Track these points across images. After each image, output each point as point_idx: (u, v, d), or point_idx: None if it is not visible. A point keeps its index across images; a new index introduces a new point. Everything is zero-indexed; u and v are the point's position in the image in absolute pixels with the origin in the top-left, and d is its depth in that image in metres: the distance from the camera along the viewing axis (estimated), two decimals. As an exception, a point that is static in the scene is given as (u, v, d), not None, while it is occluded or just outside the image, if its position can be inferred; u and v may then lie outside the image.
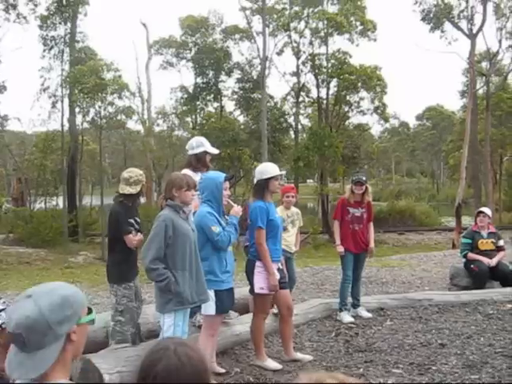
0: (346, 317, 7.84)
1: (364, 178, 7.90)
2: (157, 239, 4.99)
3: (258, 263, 5.91)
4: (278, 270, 6.02)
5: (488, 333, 7.07)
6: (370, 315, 7.99)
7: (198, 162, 6.73)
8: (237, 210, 5.72)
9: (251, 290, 6.03)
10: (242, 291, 7.56)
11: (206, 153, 6.78)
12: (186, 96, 35.39)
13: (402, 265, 14.10)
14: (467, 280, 9.76)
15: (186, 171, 6.35)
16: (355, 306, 8.13)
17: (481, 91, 33.49)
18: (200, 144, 6.79)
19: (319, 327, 7.61)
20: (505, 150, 41.03)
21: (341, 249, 7.93)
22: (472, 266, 9.55)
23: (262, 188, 6.00)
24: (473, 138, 28.63)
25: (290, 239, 7.81)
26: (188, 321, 5.46)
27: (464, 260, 9.83)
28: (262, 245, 5.83)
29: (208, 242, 5.48)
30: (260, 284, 5.89)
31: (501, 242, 9.69)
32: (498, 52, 32.31)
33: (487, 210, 9.92)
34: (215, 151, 6.97)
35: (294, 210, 7.94)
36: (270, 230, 5.93)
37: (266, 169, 6.08)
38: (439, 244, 27.23)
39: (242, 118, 37.47)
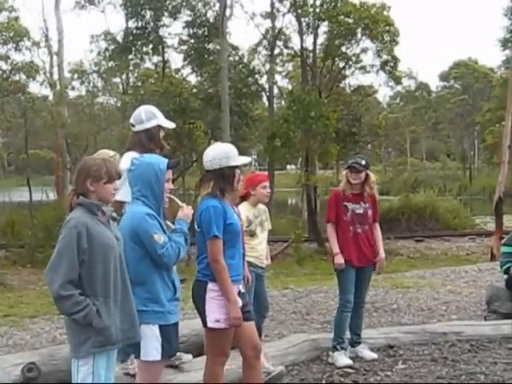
0: (342, 358, 7.89)
1: (363, 162, 8.00)
2: (66, 255, 4.88)
3: (210, 285, 5.87)
4: (240, 294, 6.01)
5: (541, 378, 7.18)
6: (374, 356, 8.06)
7: (151, 141, 6.73)
8: (187, 211, 5.70)
9: (204, 324, 6.02)
10: (192, 324, 7.56)
11: (159, 127, 6.80)
12: (113, 47, 35.13)
13: (419, 285, 14.22)
14: (511, 305, 9.87)
15: (133, 155, 6.34)
16: (354, 343, 8.19)
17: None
18: (151, 115, 6.81)
19: (303, 374, 7.65)
20: None
21: (341, 260, 7.96)
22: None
23: (223, 180, 5.98)
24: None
25: (259, 248, 7.72)
26: (115, 366, 5.44)
27: (506, 276, 9.94)
28: (219, 261, 5.80)
29: (146, 258, 5.46)
30: (215, 315, 5.85)
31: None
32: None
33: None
34: (171, 125, 7.01)
35: (260, 207, 7.90)
36: (228, 239, 5.91)
37: (231, 153, 6.03)
38: (473, 255, 27.50)
39: (193, 79, 37.38)
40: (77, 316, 4.90)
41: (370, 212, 8.14)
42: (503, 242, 10.88)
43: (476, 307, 11.08)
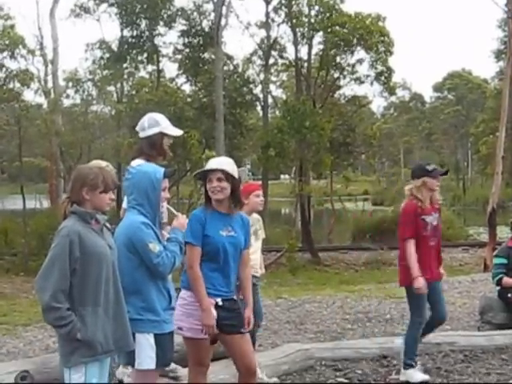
0: (418, 374, 7.63)
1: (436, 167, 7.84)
2: (58, 263, 4.86)
3: (181, 293, 5.93)
4: (217, 306, 5.87)
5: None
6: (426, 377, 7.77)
7: (152, 148, 6.76)
8: (181, 220, 5.74)
9: None
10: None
11: (162, 135, 6.81)
12: (108, 55, 35.16)
13: (413, 295, 14.22)
14: (504, 315, 9.89)
15: (139, 162, 6.37)
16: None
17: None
18: (154, 123, 6.87)
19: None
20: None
21: (421, 283, 7.48)
22: (510, 295, 9.69)
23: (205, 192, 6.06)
24: (513, 116, 29.05)
25: (253, 257, 7.69)
26: (108, 373, 5.41)
27: (498, 287, 9.97)
28: (193, 268, 5.80)
29: (141, 267, 5.47)
30: (178, 322, 5.83)
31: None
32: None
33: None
34: (176, 132, 7.05)
35: (254, 216, 7.90)
36: (207, 252, 5.87)
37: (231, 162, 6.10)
38: (466, 265, 27.51)
39: (188, 88, 37.39)
40: (60, 330, 4.90)
41: (439, 222, 7.86)
42: (495, 253, 10.92)
43: (469, 318, 11.09)
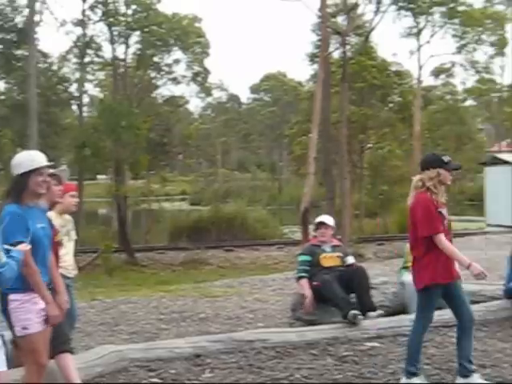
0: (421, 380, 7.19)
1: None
2: None
3: (10, 297, 5.84)
4: None
5: (341, 381, 7.41)
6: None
7: None
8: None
9: (14, 334, 5.95)
10: None
11: None
12: None
13: (228, 293, 14.34)
14: (315, 312, 10.12)
15: None
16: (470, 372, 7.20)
17: (337, 56, 35.05)
18: None
19: (109, 386, 7.57)
20: (367, 136, 43.22)
21: (479, 267, 6.95)
22: (315, 282, 9.87)
23: (18, 187, 5.98)
24: (325, 118, 29.86)
25: (67, 258, 7.70)
26: None
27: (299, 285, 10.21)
28: (29, 263, 5.73)
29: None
30: (21, 323, 5.83)
31: (349, 259, 10.20)
32: (357, 3, 33.99)
33: (329, 220, 10.41)
34: None
35: (67, 217, 7.87)
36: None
37: (20, 160, 6.04)
38: (281, 263, 28.11)
39: (1, 85, 36.37)
40: None
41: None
42: (300, 251, 11.17)
43: (282, 315, 11.26)
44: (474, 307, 9.70)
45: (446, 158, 7.07)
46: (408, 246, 10.08)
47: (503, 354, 8.34)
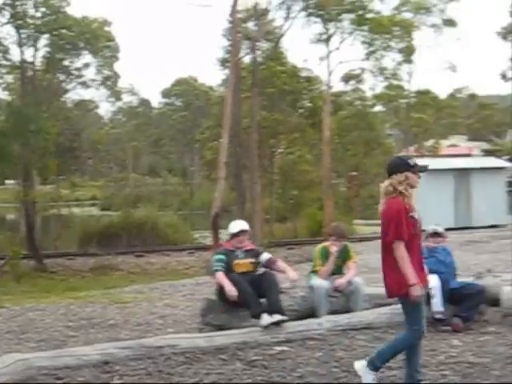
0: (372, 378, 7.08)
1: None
2: None
3: None
4: None
5: (249, 386, 7.46)
6: None
7: None
8: None
9: None
10: None
11: None
12: None
13: (138, 299, 14.27)
14: (224, 316, 10.15)
15: None
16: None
17: (248, 61, 35.21)
18: None
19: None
20: (278, 141, 43.55)
21: (419, 291, 6.75)
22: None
23: None
24: (236, 123, 30.01)
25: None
26: None
27: (216, 286, 10.20)
28: None
29: None
30: None
31: (265, 256, 10.24)
32: (267, 9, 34.25)
33: (246, 226, 10.46)
34: None
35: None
36: None
37: None
38: (191, 268, 28.10)
39: None
40: None
41: None
42: (215, 251, 11.21)
43: (191, 320, 11.26)
44: (381, 310, 9.97)
45: (412, 162, 6.97)
46: (317, 249, 10.23)
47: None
